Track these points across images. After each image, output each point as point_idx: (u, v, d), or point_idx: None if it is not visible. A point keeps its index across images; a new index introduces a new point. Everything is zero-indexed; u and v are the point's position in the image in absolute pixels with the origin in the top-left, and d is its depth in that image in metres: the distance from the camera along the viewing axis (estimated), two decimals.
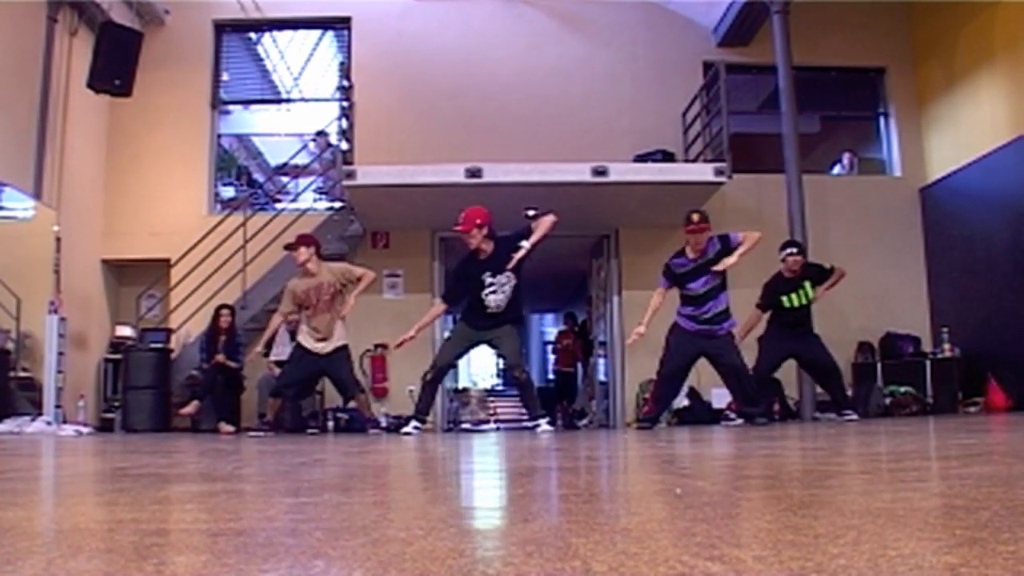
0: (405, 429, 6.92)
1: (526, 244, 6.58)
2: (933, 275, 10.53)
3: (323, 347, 7.29)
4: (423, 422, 6.95)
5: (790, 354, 7.68)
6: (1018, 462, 2.47)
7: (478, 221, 6.63)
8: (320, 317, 7.24)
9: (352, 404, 7.99)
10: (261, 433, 7.44)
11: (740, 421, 7.15)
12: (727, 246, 6.82)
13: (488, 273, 6.63)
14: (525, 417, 7.87)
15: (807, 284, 7.50)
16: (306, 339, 7.33)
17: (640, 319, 6.98)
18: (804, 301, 7.49)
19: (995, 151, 9.27)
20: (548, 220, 6.63)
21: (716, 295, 6.87)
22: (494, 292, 6.64)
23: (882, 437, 4.50)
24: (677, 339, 7.02)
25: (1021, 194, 8.87)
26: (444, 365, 6.98)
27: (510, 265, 6.59)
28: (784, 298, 7.48)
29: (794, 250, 7.55)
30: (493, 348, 7.00)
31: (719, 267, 6.75)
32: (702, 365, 7.31)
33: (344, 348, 7.41)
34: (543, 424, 6.84)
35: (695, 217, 6.80)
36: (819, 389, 9.09)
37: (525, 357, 23.92)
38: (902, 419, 8.09)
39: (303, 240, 7.40)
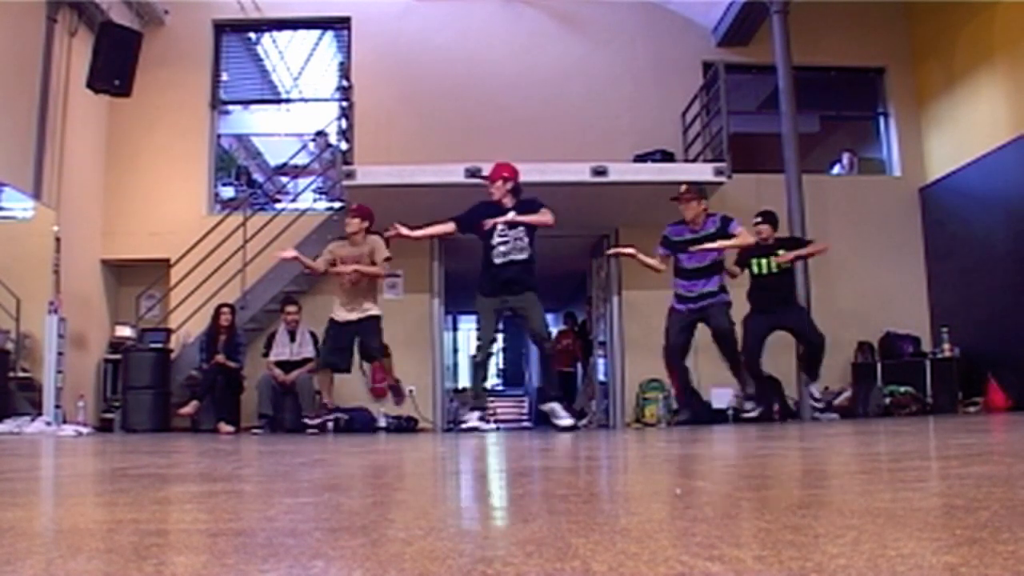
0: (469, 424, 6.90)
1: (513, 215, 6.71)
2: (933, 275, 10.53)
3: (353, 316, 7.41)
4: (486, 410, 6.96)
5: (771, 327, 7.61)
6: (1018, 462, 2.47)
7: (505, 174, 6.84)
8: (351, 290, 7.41)
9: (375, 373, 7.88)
10: (318, 421, 7.46)
11: (755, 413, 7.18)
12: (724, 228, 6.94)
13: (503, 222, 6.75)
14: (524, 417, 7.90)
15: (780, 252, 7.63)
16: (337, 312, 7.47)
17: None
18: (774, 269, 7.59)
19: (995, 151, 9.27)
20: (547, 217, 6.72)
21: (709, 275, 6.96)
22: (505, 243, 6.72)
23: (882, 437, 4.50)
24: (671, 320, 7.11)
25: (1020, 194, 8.87)
26: (490, 340, 6.95)
27: (507, 218, 6.71)
28: (754, 261, 7.59)
29: (758, 219, 7.75)
30: (519, 318, 6.95)
31: (706, 246, 6.84)
32: (703, 363, 7.34)
33: (377, 318, 7.52)
34: (558, 410, 6.82)
35: (682, 187, 7.02)
36: (821, 387, 9.13)
37: (524, 357, 24.04)
38: (902, 419, 8.09)
39: (359, 211, 7.59)
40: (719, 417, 9.01)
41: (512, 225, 6.72)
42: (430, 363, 10.25)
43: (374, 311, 7.49)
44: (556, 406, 6.85)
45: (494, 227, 6.69)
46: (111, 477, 2.77)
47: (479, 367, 7.00)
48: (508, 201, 6.81)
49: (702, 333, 7.21)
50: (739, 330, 7.25)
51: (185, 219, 10.28)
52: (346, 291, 7.45)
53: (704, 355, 7.55)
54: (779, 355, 8.37)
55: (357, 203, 7.83)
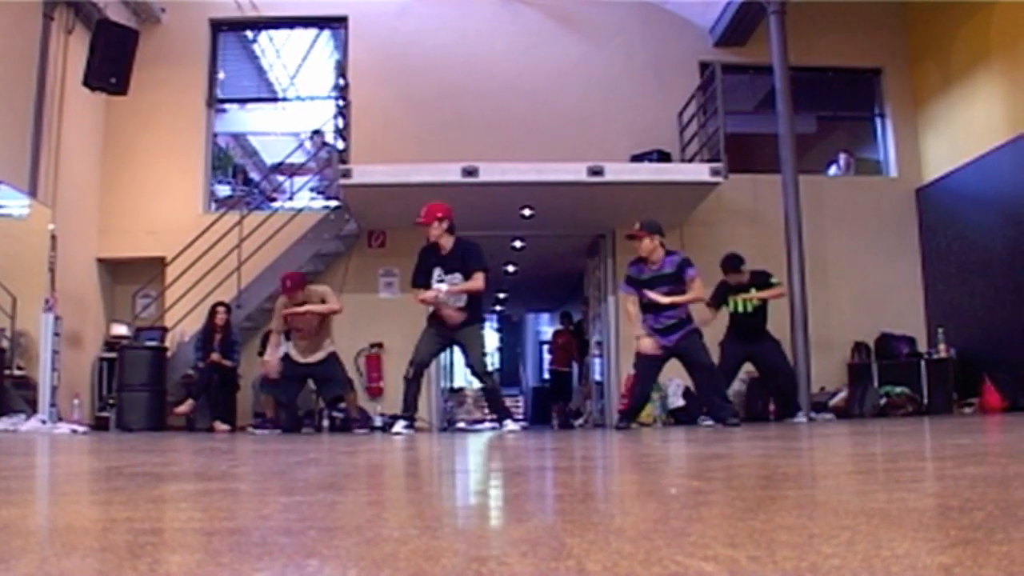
0: (395, 429, 6.97)
1: (444, 288, 6.75)
2: (929, 276, 10.54)
3: (311, 359, 7.66)
4: (412, 420, 6.98)
5: (747, 357, 8.02)
6: (1013, 463, 2.48)
7: (439, 215, 6.80)
8: (308, 340, 7.62)
9: (342, 405, 8.23)
10: (266, 431, 7.49)
11: (711, 422, 7.24)
12: (680, 274, 6.91)
13: (440, 269, 6.80)
14: (521, 417, 7.96)
15: (753, 291, 7.86)
16: (293, 352, 7.71)
17: (632, 329, 7.16)
18: (751, 308, 7.86)
19: (991, 152, 9.28)
20: (478, 283, 6.77)
21: (674, 305, 6.92)
22: (442, 283, 6.79)
23: (877, 437, 4.51)
24: (644, 364, 7.15)
25: (1017, 195, 8.88)
26: (422, 362, 6.99)
27: (440, 289, 6.76)
28: (731, 300, 7.88)
29: (734, 264, 7.92)
30: (461, 350, 7.07)
31: (657, 298, 6.85)
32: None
33: (333, 355, 7.75)
34: (509, 423, 7.07)
35: (636, 225, 7.03)
36: (817, 388, 9.15)
37: (520, 357, 24.07)
38: (897, 419, 8.10)
39: (294, 285, 7.60)
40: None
41: (447, 271, 6.79)
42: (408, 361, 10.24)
43: (330, 348, 7.73)
44: (508, 422, 7.10)
45: (432, 276, 6.82)
46: (106, 475, 2.76)
47: (409, 384, 6.97)
48: (446, 243, 6.82)
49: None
50: (715, 352, 7.45)
51: (181, 217, 10.27)
52: (301, 341, 7.66)
53: None
54: None
55: (288, 278, 7.80)
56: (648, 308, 6.98)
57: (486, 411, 15.17)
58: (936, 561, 0.91)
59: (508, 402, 22.42)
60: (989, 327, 9.28)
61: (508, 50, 11.03)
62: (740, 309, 7.87)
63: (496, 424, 7.29)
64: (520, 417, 20.27)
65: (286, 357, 7.68)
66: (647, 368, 7.12)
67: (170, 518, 1.54)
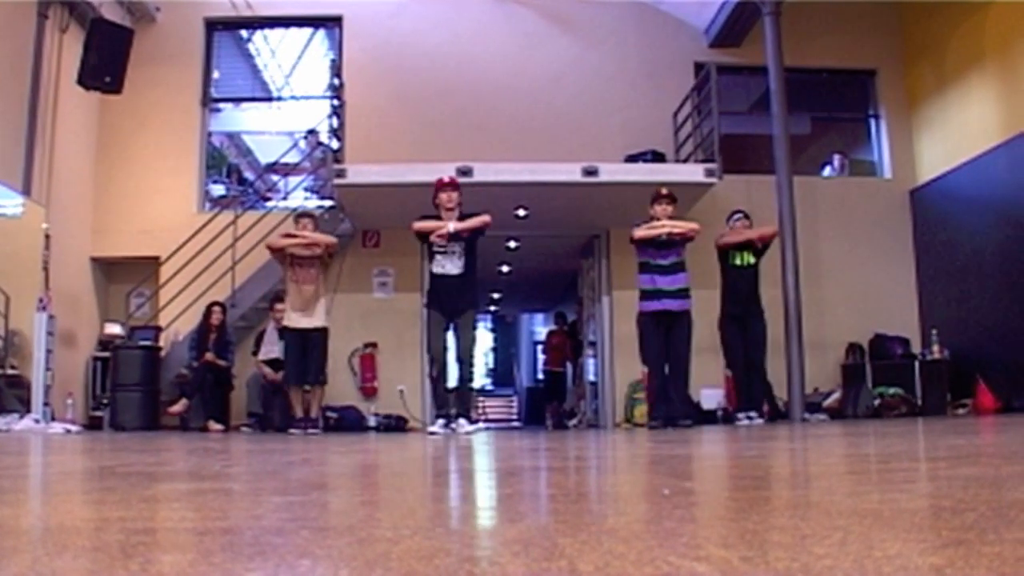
0: (431, 429, 6.95)
1: (453, 226, 6.82)
2: (923, 277, 10.56)
3: (307, 322, 7.53)
4: (449, 417, 6.98)
5: (744, 340, 8.07)
6: (1005, 464, 2.48)
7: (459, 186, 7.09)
8: (307, 286, 7.55)
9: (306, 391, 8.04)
10: (315, 431, 7.53)
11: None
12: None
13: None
14: (515, 417, 7.95)
15: (750, 249, 8.01)
16: (290, 318, 7.60)
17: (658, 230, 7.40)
18: (751, 261, 7.99)
19: (985, 153, 9.30)
20: (482, 217, 6.92)
21: (680, 270, 7.38)
22: (443, 254, 6.90)
23: (870, 438, 4.51)
24: (645, 325, 7.44)
25: (1011, 196, 8.91)
26: (440, 353, 7.00)
27: (449, 228, 6.80)
28: (730, 253, 8.02)
29: (740, 215, 8.16)
30: (454, 333, 7.03)
31: (656, 226, 7.35)
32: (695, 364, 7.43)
33: (326, 331, 7.70)
34: (464, 422, 6.93)
35: (664, 190, 7.48)
36: (811, 389, 9.16)
37: (515, 358, 24.06)
38: (891, 420, 8.12)
39: (314, 216, 7.93)
40: (708, 418, 9.04)
41: (452, 238, 6.85)
42: (420, 362, 10.24)
43: (323, 321, 7.66)
44: (464, 422, 6.96)
45: (438, 237, 6.85)
46: (99, 475, 2.76)
47: (436, 382, 7.05)
48: (454, 212, 6.97)
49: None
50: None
51: (175, 217, 10.25)
52: (299, 290, 7.60)
53: (697, 356, 7.57)
54: (769, 356, 8.39)
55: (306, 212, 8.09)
56: (656, 269, 7.34)
57: (480, 412, 15.18)
58: (928, 562, 0.91)
59: (502, 402, 22.41)
60: (983, 328, 9.31)
61: (503, 50, 11.03)
62: (740, 262, 7.97)
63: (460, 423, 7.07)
64: (514, 416, 20.24)
65: (288, 333, 7.67)
66: (652, 333, 7.34)
67: (163, 518, 1.54)
